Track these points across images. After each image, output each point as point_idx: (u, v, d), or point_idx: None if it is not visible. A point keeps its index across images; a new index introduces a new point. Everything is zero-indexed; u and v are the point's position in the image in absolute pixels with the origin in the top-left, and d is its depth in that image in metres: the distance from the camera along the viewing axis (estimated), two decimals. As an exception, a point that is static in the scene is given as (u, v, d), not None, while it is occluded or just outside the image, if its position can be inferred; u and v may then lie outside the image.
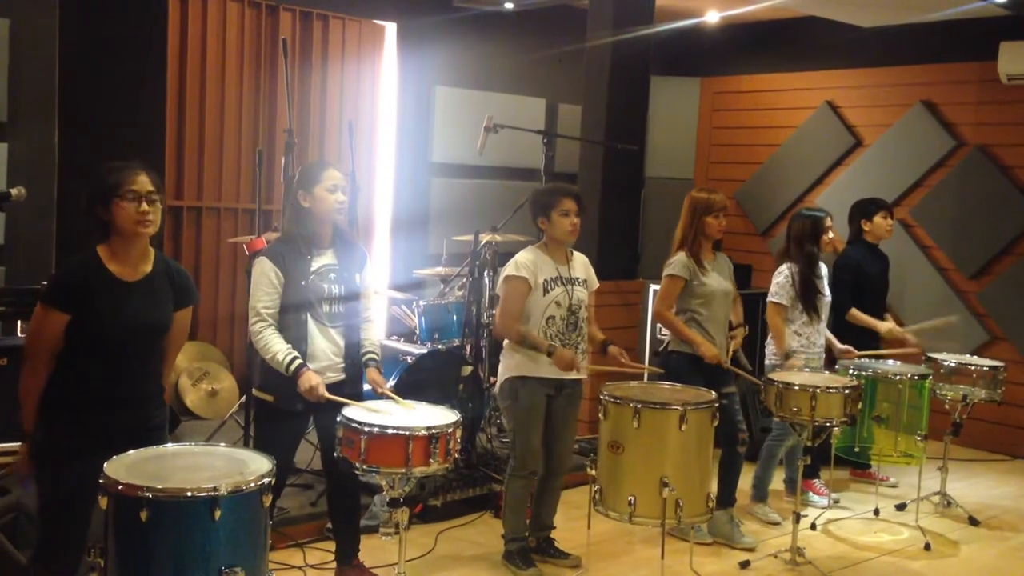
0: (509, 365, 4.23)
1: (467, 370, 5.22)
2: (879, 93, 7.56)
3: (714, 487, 4.10)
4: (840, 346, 5.39)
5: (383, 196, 7.37)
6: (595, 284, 4.43)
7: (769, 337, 5.26)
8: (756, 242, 8.31)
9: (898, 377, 5.04)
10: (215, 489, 2.50)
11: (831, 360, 5.28)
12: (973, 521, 5.35)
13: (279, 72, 6.58)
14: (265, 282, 3.67)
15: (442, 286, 5.93)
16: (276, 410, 3.73)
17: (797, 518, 4.57)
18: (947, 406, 5.33)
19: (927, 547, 4.92)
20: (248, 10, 6.58)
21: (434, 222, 7.39)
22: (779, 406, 4.49)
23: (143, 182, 3.00)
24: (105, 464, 2.61)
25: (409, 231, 7.31)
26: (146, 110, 4.57)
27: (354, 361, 3.83)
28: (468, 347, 5.47)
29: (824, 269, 5.32)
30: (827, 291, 5.27)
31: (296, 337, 3.68)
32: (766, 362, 5.24)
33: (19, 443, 3.75)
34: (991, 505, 5.73)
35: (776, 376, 4.61)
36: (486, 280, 5.58)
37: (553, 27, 7.73)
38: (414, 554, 4.41)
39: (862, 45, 7.54)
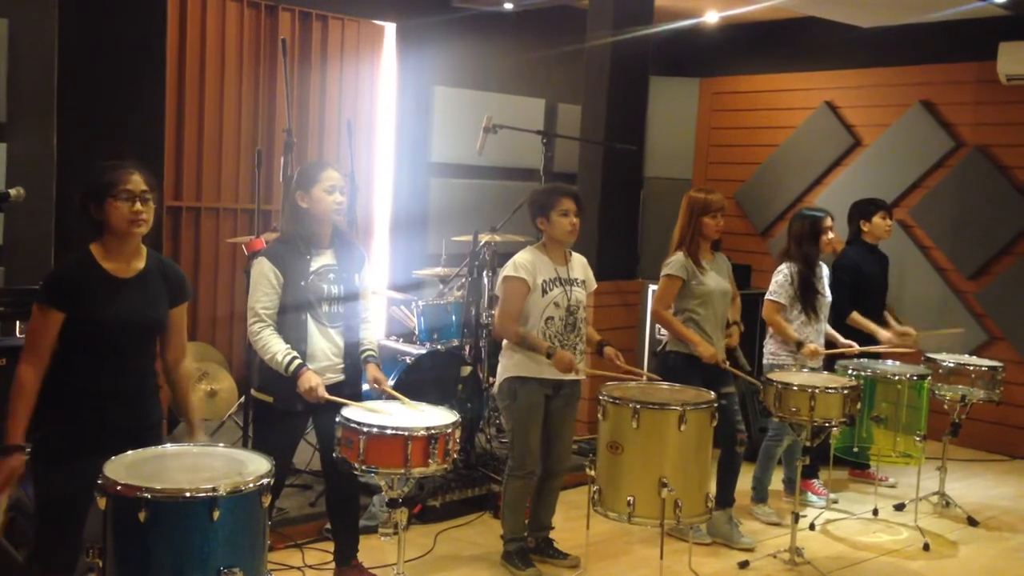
0: (508, 365, 4.24)
1: (466, 370, 5.22)
2: (878, 93, 7.57)
3: (713, 487, 4.10)
4: (843, 340, 5.39)
5: (382, 196, 7.37)
6: (593, 285, 4.43)
7: (768, 337, 5.26)
8: (755, 242, 8.31)
9: (897, 377, 5.04)
10: (214, 490, 2.50)
11: (830, 360, 5.28)
12: (972, 521, 5.36)
13: (278, 72, 6.58)
14: (264, 283, 3.66)
15: (441, 286, 5.93)
16: (275, 411, 3.73)
17: (796, 518, 4.57)
18: (946, 406, 5.34)
19: (926, 547, 4.93)
20: (247, 10, 6.58)
21: (433, 222, 7.39)
22: (778, 406, 4.50)
23: (137, 181, 3.01)
24: (104, 464, 2.60)
25: (408, 231, 7.31)
26: (145, 110, 4.57)
27: (353, 361, 3.83)
28: (467, 347, 5.47)
29: (824, 270, 5.32)
30: (827, 291, 5.28)
31: (295, 337, 3.68)
32: (765, 362, 5.24)
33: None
34: (990, 505, 5.73)
35: (775, 376, 4.61)
36: (485, 280, 5.58)
37: (552, 27, 7.73)
38: (413, 554, 4.42)
39: (861, 45, 7.54)
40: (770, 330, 5.25)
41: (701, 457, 3.88)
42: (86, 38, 4.42)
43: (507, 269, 4.21)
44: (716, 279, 4.73)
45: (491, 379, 5.27)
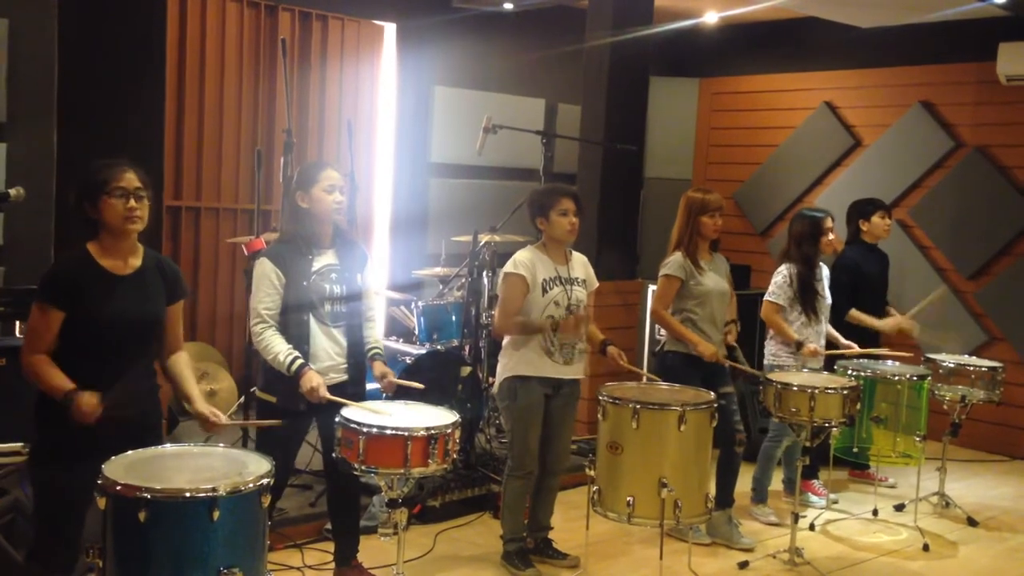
0: (508, 365, 4.24)
1: (466, 371, 5.22)
2: (878, 94, 7.57)
3: (712, 487, 4.10)
4: (844, 341, 5.39)
5: (382, 196, 7.37)
6: (594, 284, 4.43)
7: (769, 338, 5.26)
8: (755, 242, 8.32)
9: (897, 378, 5.04)
10: (213, 490, 2.50)
11: (830, 361, 5.28)
12: (972, 522, 5.36)
13: (278, 72, 6.58)
14: (266, 283, 3.67)
15: (441, 286, 5.93)
16: (279, 411, 3.72)
17: (796, 518, 4.58)
18: (946, 407, 5.34)
19: (926, 548, 4.93)
20: (247, 10, 6.58)
21: (433, 222, 7.39)
22: (778, 407, 4.50)
23: (130, 179, 3.02)
24: (103, 465, 2.60)
25: (408, 231, 7.31)
26: (145, 110, 4.58)
27: (357, 361, 3.83)
28: (467, 347, 5.46)
29: (825, 271, 5.31)
30: (827, 293, 5.27)
31: (298, 337, 3.68)
32: (765, 362, 5.24)
33: (20, 443, 3.78)
34: (990, 506, 5.73)
35: (775, 376, 4.61)
36: (485, 280, 5.58)
37: (552, 27, 7.73)
38: (413, 555, 4.42)
39: (861, 46, 7.54)
40: (770, 331, 5.25)
41: (701, 457, 3.87)
42: (86, 38, 4.42)
43: (507, 267, 4.22)
44: (714, 279, 4.73)
45: (491, 379, 5.27)
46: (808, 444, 4.52)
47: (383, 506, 3.57)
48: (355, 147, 6.18)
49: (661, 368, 4.74)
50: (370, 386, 3.92)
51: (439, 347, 5.32)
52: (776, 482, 5.38)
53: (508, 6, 7.28)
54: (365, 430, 3.31)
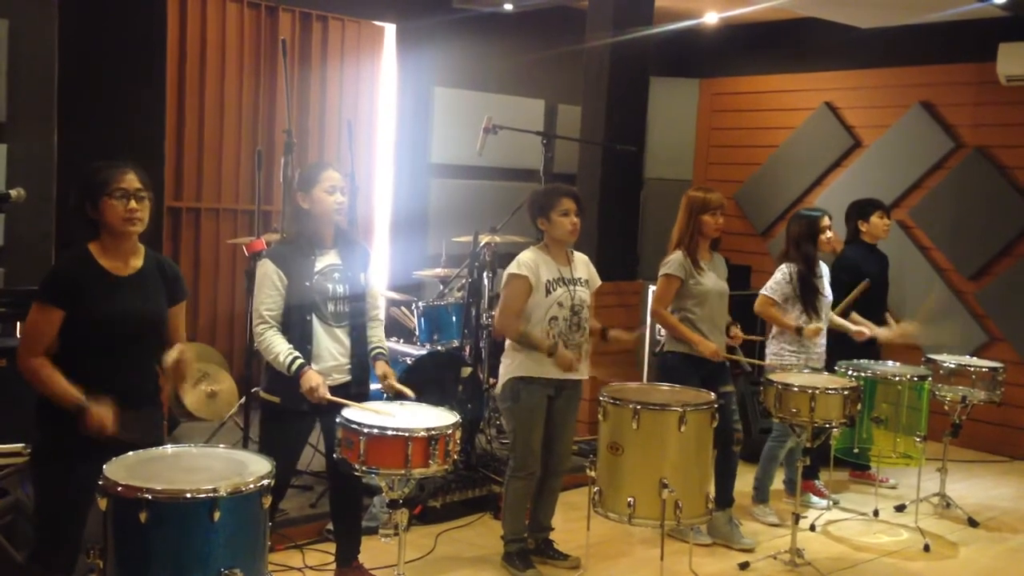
0: (510, 366, 4.23)
1: (466, 371, 5.22)
2: (878, 94, 7.57)
3: (713, 488, 4.10)
4: (853, 328, 5.39)
5: (382, 197, 7.37)
6: (597, 283, 4.43)
7: (770, 338, 5.26)
8: (755, 243, 8.32)
9: (897, 378, 5.04)
10: (214, 490, 2.50)
11: (830, 362, 5.27)
12: (972, 522, 5.36)
13: (278, 73, 6.58)
14: (268, 284, 3.67)
15: (441, 287, 5.93)
16: (282, 411, 3.72)
17: (796, 519, 4.57)
18: (946, 407, 5.33)
19: (926, 548, 4.93)
20: (247, 11, 6.58)
21: (433, 223, 7.39)
22: (778, 407, 4.50)
23: (131, 180, 3.02)
24: (105, 465, 2.60)
25: (408, 232, 7.31)
26: (145, 111, 4.57)
27: (360, 361, 3.82)
28: (467, 348, 5.46)
29: (825, 268, 5.32)
30: (828, 291, 5.28)
31: (301, 338, 3.68)
32: (767, 363, 5.23)
33: (21, 444, 3.78)
34: (990, 506, 5.73)
35: (776, 377, 4.61)
36: (485, 281, 5.58)
37: (552, 28, 7.73)
38: (413, 555, 4.42)
39: (861, 46, 7.55)
40: (770, 332, 5.25)
41: (701, 458, 3.87)
42: (87, 39, 4.42)
43: (511, 267, 4.22)
44: (714, 279, 4.72)
45: (491, 380, 5.27)
46: (809, 445, 4.52)
47: (384, 507, 3.56)
48: (355, 148, 6.18)
49: (661, 368, 4.74)
50: (373, 387, 3.91)
51: (440, 348, 5.32)
52: (777, 483, 5.38)
53: (508, 7, 7.28)
54: (366, 431, 3.31)
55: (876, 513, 5.35)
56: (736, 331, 4.88)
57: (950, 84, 7.18)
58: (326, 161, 5.90)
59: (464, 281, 5.57)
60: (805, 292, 5.12)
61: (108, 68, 4.43)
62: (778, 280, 5.16)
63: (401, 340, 5.64)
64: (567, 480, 4.57)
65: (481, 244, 5.50)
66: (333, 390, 3.63)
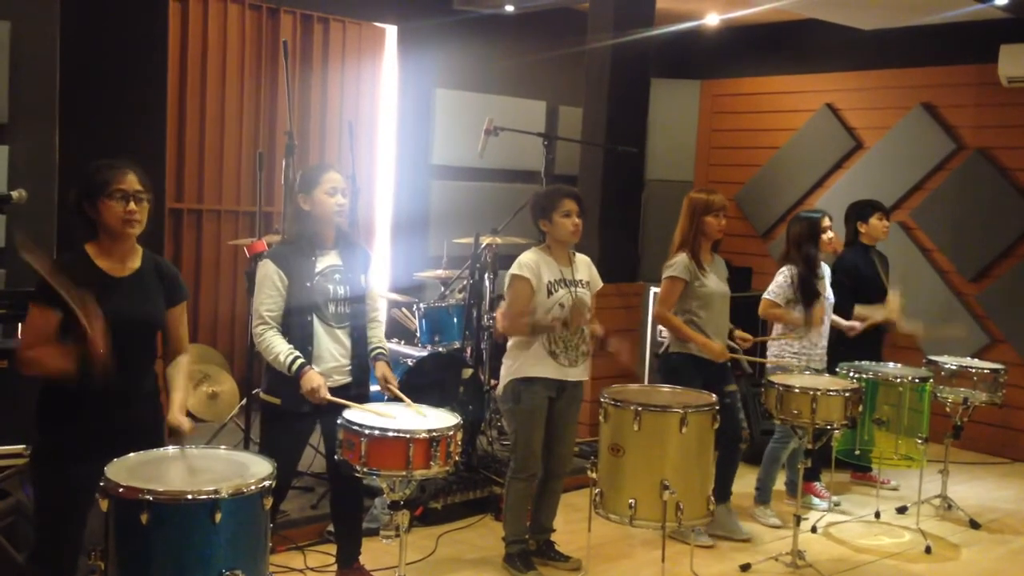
0: (512, 367, 4.23)
1: (467, 373, 5.22)
2: (879, 95, 7.57)
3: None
4: (845, 323, 5.40)
5: (383, 198, 7.37)
6: (599, 284, 4.42)
7: (771, 340, 5.26)
8: (756, 244, 8.31)
9: (899, 380, 5.04)
10: (216, 492, 2.50)
11: (832, 362, 5.27)
12: (974, 524, 5.35)
13: (280, 75, 6.58)
14: (269, 285, 3.67)
15: (443, 288, 5.93)
16: (283, 412, 3.72)
17: (798, 521, 4.57)
18: (948, 409, 5.33)
19: (928, 550, 4.92)
20: (249, 12, 6.58)
21: (434, 224, 7.40)
22: (779, 409, 4.49)
23: (131, 181, 3.01)
24: (106, 467, 2.60)
25: (409, 233, 7.32)
26: (147, 113, 4.57)
27: (361, 362, 3.82)
28: (468, 350, 5.46)
29: (826, 269, 5.32)
30: (829, 292, 5.28)
31: (302, 339, 3.67)
32: (768, 365, 5.23)
33: (21, 445, 3.77)
34: (992, 508, 5.72)
35: (777, 378, 4.61)
36: (486, 283, 5.58)
37: (553, 29, 7.74)
38: (414, 557, 4.41)
39: (862, 47, 7.55)
40: (771, 332, 5.25)
41: (702, 459, 3.87)
42: (88, 40, 4.42)
43: (513, 269, 4.22)
44: (717, 281, 4.73)
45: (492, 381, 5.27)
46: (810, 446, 4.52)
47: (385, 508, 3.57)
48: (356, 149, 6.19)
49: (665, 370, 4.73)
50: (373, 388, 3.91)
51: (441, 349, 5.32)
52: (778, 484, 5.38)
53: (509, 8, 7.28)
54: (367, 432, 3.31)
55: (877, 515, 5.34)
56: (741, 334, 4.88)
57: (951, 86, 7.18)
58: (327, 163, 5.91)
59: (465, 283, 5.56)
60: (806, 294, 5.11)
61: (110, 70, 4.42)
62: (780, 283, 5.16)
63: (402, 341, 5.64)
64: (568, 482, 4.57)
65: (482, 246, 5.50)
66: (334, 391, 3.63)
